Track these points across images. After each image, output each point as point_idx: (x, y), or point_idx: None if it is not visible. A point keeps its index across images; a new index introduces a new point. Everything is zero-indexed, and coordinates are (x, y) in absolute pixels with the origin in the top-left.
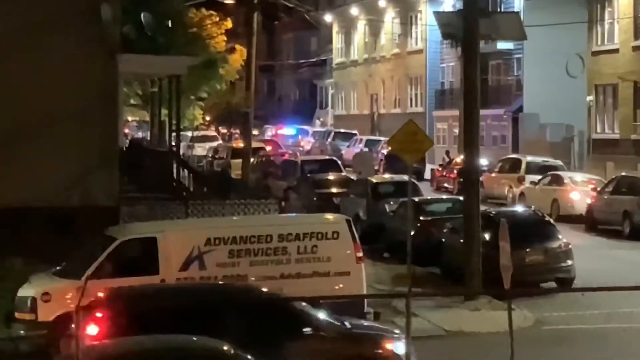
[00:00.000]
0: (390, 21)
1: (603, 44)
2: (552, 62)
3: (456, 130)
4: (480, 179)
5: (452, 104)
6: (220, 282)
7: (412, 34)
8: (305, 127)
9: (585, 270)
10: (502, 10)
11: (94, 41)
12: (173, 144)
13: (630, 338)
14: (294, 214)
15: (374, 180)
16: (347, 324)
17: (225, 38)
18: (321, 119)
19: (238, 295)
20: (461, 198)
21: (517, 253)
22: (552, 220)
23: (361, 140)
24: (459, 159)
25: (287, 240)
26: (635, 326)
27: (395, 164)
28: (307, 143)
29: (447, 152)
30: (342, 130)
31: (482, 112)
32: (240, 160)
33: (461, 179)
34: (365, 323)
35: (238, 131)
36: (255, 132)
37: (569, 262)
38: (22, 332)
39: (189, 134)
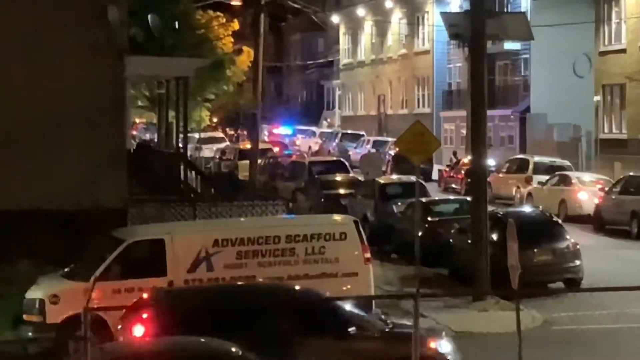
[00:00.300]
0: (397, 22)
1: (610, 44)
2: (559, 62)
3: (463, 131)
4: (488, 179)
5: (460, 104)
6: (266, 282)
7: (419, 34)
8: (313, 128)
9: (593, 271)
10: (509, 10)
11: (102, 43)
12: (180, 145)
13: (639, 338)
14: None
15: (382, 181)
16: (390, 322)
17: (232, 40)
18: (328, 120)
19: (284, 295)
20: (469, 199)
21: (525, 253)
22: (560, 221)
23: (368, 141)
24: (467, 159)
25: (295, 242)
26: None
27: (402, 164)
28: (303, 142)
29: (455, 153)
30: (350, 132)
31: (490, 112)
32: (247, 162)
33: (469, 180)
34: (407, 322)
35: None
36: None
37: (577, 262)
38: (30, 334)
39: (197, 135)
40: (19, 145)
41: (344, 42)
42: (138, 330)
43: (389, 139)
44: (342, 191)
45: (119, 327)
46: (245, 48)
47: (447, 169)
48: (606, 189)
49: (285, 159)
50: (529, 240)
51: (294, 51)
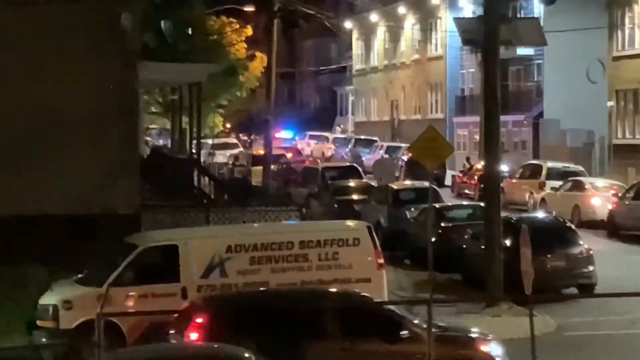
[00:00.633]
0: (410, 27)
1: (624, 49)
2: (572, 68)
3: (477, 137)
4: (501, 185)
5: (473, 110)
6: (319, 287)
7: (432, 40)
8: (326, 134)
9: (607, 276)
10: (522, 16)
11: (115, 49)
12: (194, 151)
13: None
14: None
15: (395, 187)
16: (440, 326)
17: (245, 45)
18: (341, 126)
19: (338, 299)
20: (482, 204)
21: (539, 259)
22: (573, 226)
23: (382, 146)
24: (480, 165)
25: (308, 247)
26: None
27: (416, 170)
28: (306, 146)
29: (468, 159)
30: (363, 137)
31: (503, 118)
32: (260, 168)
33: (482, 185)
34: (457, 325)
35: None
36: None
37: (591, 268)
38: (43, 339)
39: (210, 141)
40: (32, 151)
41: (356, 47)
42: (193, 335)
43: (402, 145)
44: (355, 197)
45: (171, 331)
46: (258, 54)
47: (461, 175)
48: (620, 194)
49: (298, 164)
50: (542, 245)
51: (307, 57)
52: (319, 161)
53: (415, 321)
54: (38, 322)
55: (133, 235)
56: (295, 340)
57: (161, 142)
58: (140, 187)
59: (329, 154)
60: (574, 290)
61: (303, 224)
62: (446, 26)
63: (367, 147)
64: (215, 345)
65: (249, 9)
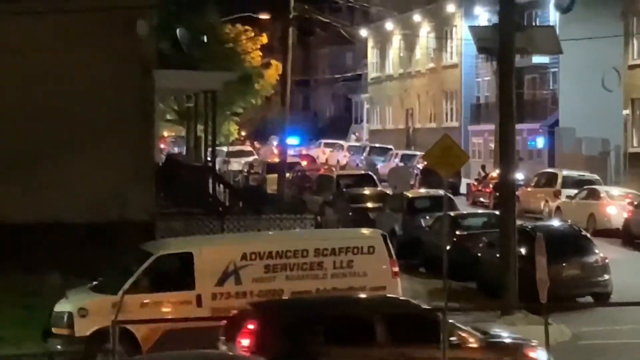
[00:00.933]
0: (426, 36)
1: (639, 57)
2: (588, 76)
3: (492, 145)
4: (517, 193)
5: (488, 118)
6: (368, 294)
7: (447, 48)
8: (341, 141)
9: (622, 285)
10: (538, 24)
11: (130, 57)
12: (209, 159)
13: None
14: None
15: (410, 195)
16: (487, 332)
17: (260, 53)
18: (356, 134)
19: (386, 306)
20: (497, 212)
21: (554, 267)
22: (588, 235)
23: (397, 155)
24: (495, 173)
25: (323, 255)
26: None
27: (431, 178)
28: (320, 153)
29: (483, 167)
30: (378, 145)
31: (518, 126)
32: (275, 175)
33: (497, 194)
34: (503, 332)
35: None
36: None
37: (606, 276)
38: (58, 347)
39: (225, 149)
40: (48, 158)
41: (372, 56)
42: (245, 342)
43: (417, 153)
44: (370, 205)
45: (222, 338)
46: (273, 62)
47: (476, 183)
48: (635, 203)
49: (313, 172)
50: (558, 254)
51: (322, 65)
52: (333, 169)
53: (462, 327)
54: (53, 330)
55: (148, 242)
56: (345, 347)
57: (176, 150)
58: (155, 195)
59: (343, 161)
60: (589, 299)
61: (318, 232)
62: (461, 34)
63: (382, 155)
64: (230, 354)
65: (265, 16)
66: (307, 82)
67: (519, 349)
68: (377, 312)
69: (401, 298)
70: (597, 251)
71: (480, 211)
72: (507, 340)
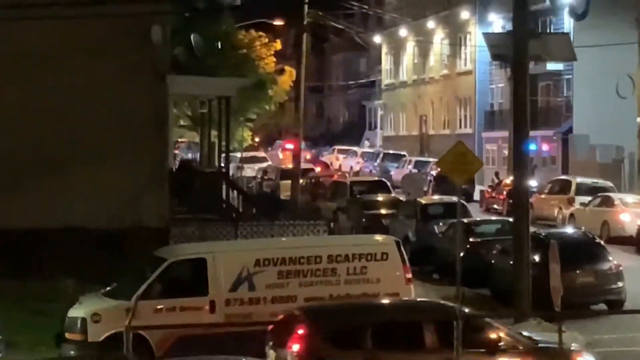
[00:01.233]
0: (439, 42)
1: None
2: (602, 83)
3: (505, 152)
4: (530, 200)
5: (502, 125)
6: (416, 299)
7: (461, 55)
8: (354, 148)
9: (636, 292)
10: (552, 31)
11: (145, 63)
12: (222, 165)
13: None
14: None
15: (423, 202)
16: (532, 338)
17: (274, 59)
18: (370, 140)
19: (434, 312)
20: (511, 219)
21: (568, 275)
22: (602, 242)
23: (410, 161)
24: (508, 180)
25: (336, 262)
26: None
27: (444, 185)
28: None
29: (497, 174)
30: (391, 152)
31: (532, 133)
32: (289, 182)
33: (510, 200)
34: (547, 337)
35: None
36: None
37: (620, 284)
38: (72, 352)
39: (238, 155)
40: (62, 164)
41: (386, 62)
42: (295, 347)
43: (431, 160)
44: (383, 211)
45: (270, 343)
46: (287, 68)
47: (489, 190)
48: None
49: (327, 179)
50: (571, 261)
51: (336, 71)
52: (347, 175)
53: (511, 333)
54: (66, 335)
55: (161, 248)
56: (394, 352)
57: (190, 155)
58: (169, 201)
59: (357, 168)
60: (602, 306)
61: (331, 238)
62: (475, 41)
63: (395, 162)
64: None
65: (279, 23)
66: (320, 88)
67: (568, 354)
68: (426, 317)
69: (449, 304)
70: (610, 258)
71: (493, 218)
72: (553, 346)
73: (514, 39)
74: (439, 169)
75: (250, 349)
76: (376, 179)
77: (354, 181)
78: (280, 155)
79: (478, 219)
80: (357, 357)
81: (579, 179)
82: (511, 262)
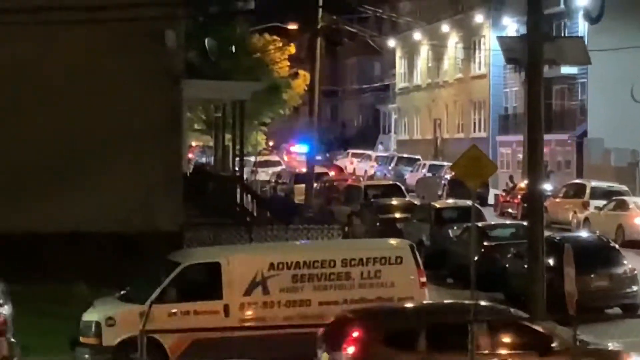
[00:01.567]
0: (454, 46)
1: None
2: (616, 87)
3: (520, 155)
4: (545, 204)
5: (516, 128)
6: (468, 301)
7: (475, 58)
8: (369, 152)
9: None
10: (567, 34)
11: (159, 67)
12: (237, 168)
13: None
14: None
15: (438, 206)
16: (582, 340)
17: (288, 63)
18: (384, 144)
19: (487, 314)
20: (525, 223)
21: (582, 279)
22: (617, 246)
23: (424, 165)
24: (523, 184)
25: (350, 265)
26: None
27: (458, 189)
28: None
29: (511, 177)
30: (406, 156)
31: (546, 137)
32: (303, 186)
33: (525, 204)
34: (593, 339)
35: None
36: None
37: (635, 288)
38: (86, 356)
39: (252, 159)
40: (77, 168)
41: (400, 66)
42: (350, 350)
43: (445, 163)
44: (397, 215)
45: (322, 346)
46: (301, 72)
47: (504, 194)
48: None
49: (341, 183)
50: (586, 265)
51: (350, 75)
52: (361, 179)
53: (561, 334)
54: (81, 339)
55: (176, 252)
56: (449, 354)
57: (204, 159)
58: (183, 205)
59: (371, 172)
60: (617, 310)
61: (345, 242)
62: (489, 45)
63: (409, 166)
64: None
65: (293, 27)
66: (334, 92)
67: (618, 355)
68: (482, 319)
69: (500, 306)
70: (625, 262)
71: (508, 222)
72: (607, 347)
73: (528, 42)
74: (453, 173)
75: (264, 352)
76: (390, 182)
77: (368, 185)
78: (285, 158)
79: (492, 223)
80: (412, 359)
81: (594, 183)
82: (526, 266)
